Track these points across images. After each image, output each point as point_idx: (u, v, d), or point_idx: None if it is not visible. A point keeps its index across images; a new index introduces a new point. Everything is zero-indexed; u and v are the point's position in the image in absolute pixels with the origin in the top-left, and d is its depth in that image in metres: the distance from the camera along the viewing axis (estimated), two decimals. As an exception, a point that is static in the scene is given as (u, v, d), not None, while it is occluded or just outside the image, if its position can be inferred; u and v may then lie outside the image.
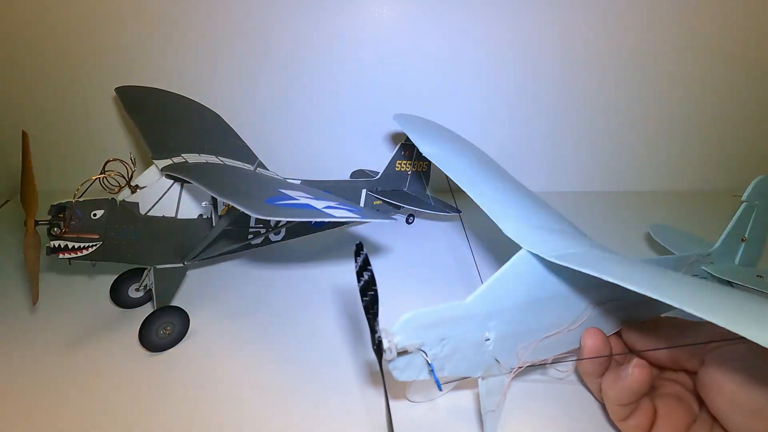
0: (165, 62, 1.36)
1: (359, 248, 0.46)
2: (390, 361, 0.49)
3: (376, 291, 0.45)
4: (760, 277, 0.93)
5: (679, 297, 0.45)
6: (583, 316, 0.67)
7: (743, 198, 0.94)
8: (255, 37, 1.35)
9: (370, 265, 0.46)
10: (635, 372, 0.60)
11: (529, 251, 0.62)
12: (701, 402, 0.65)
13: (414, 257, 1.19)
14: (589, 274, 0.60)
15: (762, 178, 0.94)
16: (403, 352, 0.49)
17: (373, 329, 0.45)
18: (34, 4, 1.27)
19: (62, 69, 1.35)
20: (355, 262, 0.46)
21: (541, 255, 0.60)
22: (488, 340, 0.59)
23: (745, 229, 0.97)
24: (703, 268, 0.91)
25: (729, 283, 0.91)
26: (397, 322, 0.49)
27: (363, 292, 0.45)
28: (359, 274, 0.46)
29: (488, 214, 0.70)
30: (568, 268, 0.59)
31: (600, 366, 0.67)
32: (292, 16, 1.33)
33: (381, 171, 1.24)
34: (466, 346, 0.55)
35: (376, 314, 0.45)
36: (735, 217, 0.95)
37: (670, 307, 0.75)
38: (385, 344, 0.47)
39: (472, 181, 0.78)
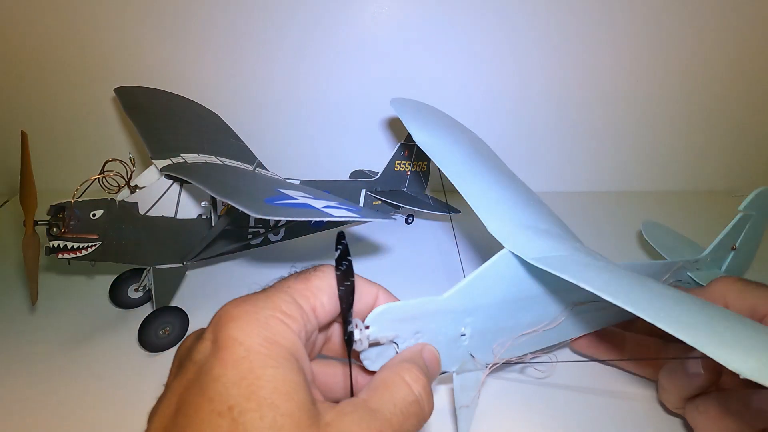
0: (164, 62, 1.36)
1: (340, 237, 0.46)
2: (362, 351, 0.48)
3: (353, 282, 0.46)
4: None
5: (653, 311, 0.44)
6: (562, 315, 0.67)
7: (740, 208, 0.93)
8: (254, 37, 1.35)
9: (349, 255, 0.46)
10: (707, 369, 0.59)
11: (511, 251, 0.61)
12: None
13: (413, 257, 1.19)
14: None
15: (762, 190, 0.93)
16: (375, 344, 0.49)
17: (346, 320, 0.45)
18: (33, 4, 1.27)
19: (61, 69, 1.35)
20: (336, 250, 0.46)
21: (522, 256, 0.60)
22: (464, 335, 0.59)
23: (737, 238, 0.96)
24: (688, 273, 0.91)
25: None
26: (370, 314, 0.48)
27: (340, 282, 0.45)
28: (338, 264, 0.46)
29: (475, 211, 0.70)
30: (548, 272, 0.59)
31: (694, 390, 0.65)
32: (291, 16, 1.33)
33: (380, 171, 1.24)
34: (441, 340, 0.55)
35: (350, 305, 0.45)
36: (729, 226, 0.95)
37: None
38: (356, 335, 0.46)
39: (462, 176, 0.77)
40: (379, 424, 0.39)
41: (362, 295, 0.50)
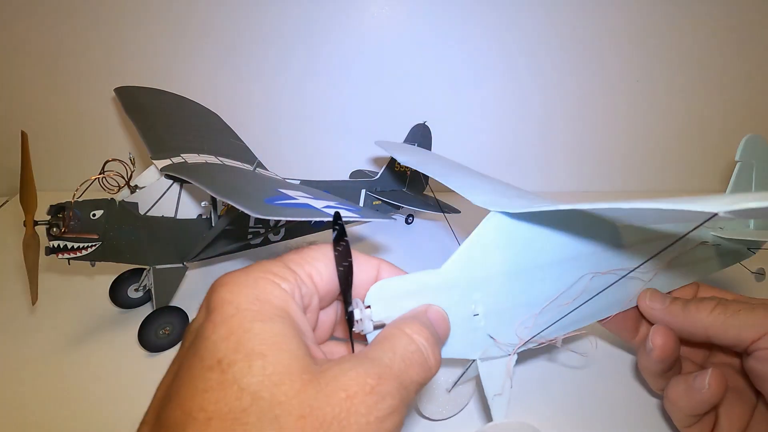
0: (164, 62, 1.36)
1: (336, 218, 0.45)
2: (368, 333, 0.47)
3: (350, 262, 0.44)
4: None
5: (630, 205, 0.43)
6: (581, 288, 0.63)
7: (737, 158, 0.89)
8: (254, 38, 1.35)
9: (346, 235, 0.45)
10: (713, 385, 0.58)
11: (498, 211, 0.58)
12: (753, 387, 0.63)
13: (413, 257, 1.19)
14: (578, 242, 0.61)
15: (750, 137, 0.90)
16: (380, 326, 0.47)
17: (347, 300, 0.45)
18: (33, 4, 1.27)
19: (61, 69, 1.35)
20: (333, 231, 0.45)
21: (509, 210, 0.57)
22: (477, 315, 0.56)
23: (750, 191, 0.92)
24: (711, 233, 0.84)
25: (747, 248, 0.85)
26: (368, 292, 0.47)
27: (338, 262, 0.45)
28: (335, 245, 0.45)
29: (456, 191, 0.68)
30: (553, 237, 0.59)
31: (666, 365, 0.64)
32: (292, 17, 1.33)
33: (380, 171, 1.24)
34: (453, 321, 0.52)
35: (350, 285, 0.44)
36: (732, 179, 0.89)
37: (687, 281, 0.74)
38: (357, 315, 0.45)
39: (444, 174, 0.77)
40: (379, 369, 0.38)
41: (363, 269, 0.49)
